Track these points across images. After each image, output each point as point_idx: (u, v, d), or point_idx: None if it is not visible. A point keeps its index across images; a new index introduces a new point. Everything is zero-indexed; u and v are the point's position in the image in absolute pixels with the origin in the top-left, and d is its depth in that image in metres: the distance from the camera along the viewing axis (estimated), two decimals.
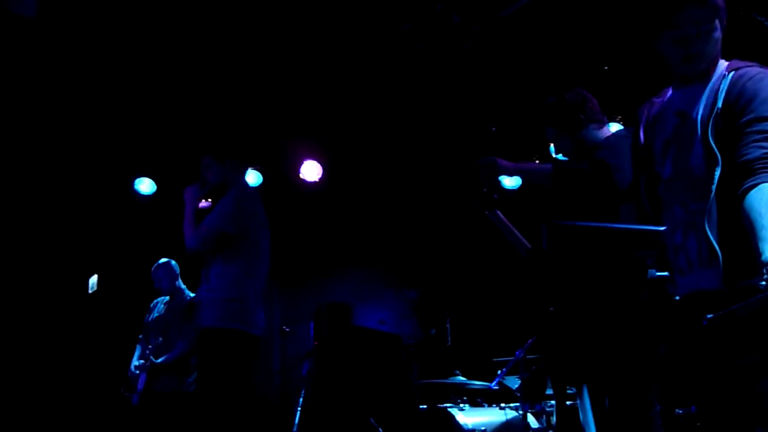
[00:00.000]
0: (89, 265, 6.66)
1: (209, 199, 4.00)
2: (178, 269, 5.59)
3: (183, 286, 5.56)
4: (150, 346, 5.24)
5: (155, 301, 5.69)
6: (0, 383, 6.06)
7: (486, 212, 3.11)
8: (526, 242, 2.98)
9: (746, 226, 2.00)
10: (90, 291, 6.46)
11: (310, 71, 5.92)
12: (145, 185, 6.82)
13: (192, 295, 5.41)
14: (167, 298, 5.58)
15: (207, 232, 3.75)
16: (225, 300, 3.69)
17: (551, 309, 2.04)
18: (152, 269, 5.60)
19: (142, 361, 5.27)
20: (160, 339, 5.26)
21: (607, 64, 5.43)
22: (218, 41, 5.41)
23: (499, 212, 3.15)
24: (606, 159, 2.81)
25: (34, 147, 6.33)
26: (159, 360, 5.15)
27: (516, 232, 3.09)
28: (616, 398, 2.61)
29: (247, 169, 6.83)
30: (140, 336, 5.57)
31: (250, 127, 6.56)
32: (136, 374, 5.25)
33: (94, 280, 6.48)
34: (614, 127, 3.80)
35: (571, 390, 3.34)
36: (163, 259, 5.61)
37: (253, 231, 3.83)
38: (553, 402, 4.83)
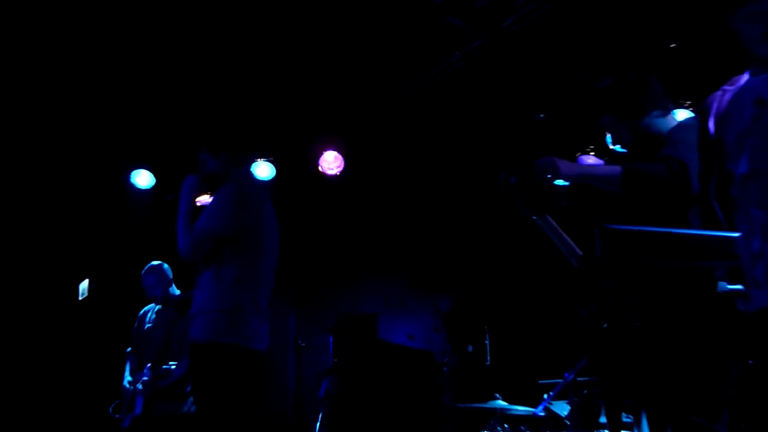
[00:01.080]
0: (79, 269, 6.73)
1: (210, 195, 4.02)
2: (170, 274, 5.58)
3: (178, 294, 5.54)
4: (148, 365, 5.25)
5: (144, 309, 5.68)
6: None
7: (533, 216, 3.10)
8: (577, 249, 2.99)
9: None
10: (80, 298, 6.53)
11: (331, 52, 5.95)
12: (143, 178, 6.88)
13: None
14: (158, 306, 5.57)
15: (199, 235, 3.73)
16: (216, 311, 3.68)
17: (605, 325, 2.05)
18: (142, 274, 5.59)
19: (139, 379, 5.28)
20: (158, 358, 5.25)
21: (673, 41, 5.37)
22: (230, 23, 5.47)
23: (548, 216, 3.15)
24: (682, 159, 2.77)
25: (19, 136, 6.43)
26: (161, 384, 5.15)
27: (566, 237, 3.09)
28: (680, 428, 2.61)
29: (250, 162, 6.88)
30: (128, 349, 5.59)
31: (256, 115, 6.59)
32: (131, 395, 5.26)
33: (84, 285, 6.54)
34: (681, 114, 3.78)
35: (628, 418, 3.34)
36: (154, 262, 5.59)
37: (251, 232, 3.80)
38: (606, 431, 4.82)
